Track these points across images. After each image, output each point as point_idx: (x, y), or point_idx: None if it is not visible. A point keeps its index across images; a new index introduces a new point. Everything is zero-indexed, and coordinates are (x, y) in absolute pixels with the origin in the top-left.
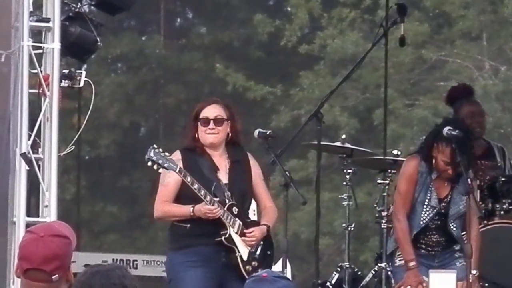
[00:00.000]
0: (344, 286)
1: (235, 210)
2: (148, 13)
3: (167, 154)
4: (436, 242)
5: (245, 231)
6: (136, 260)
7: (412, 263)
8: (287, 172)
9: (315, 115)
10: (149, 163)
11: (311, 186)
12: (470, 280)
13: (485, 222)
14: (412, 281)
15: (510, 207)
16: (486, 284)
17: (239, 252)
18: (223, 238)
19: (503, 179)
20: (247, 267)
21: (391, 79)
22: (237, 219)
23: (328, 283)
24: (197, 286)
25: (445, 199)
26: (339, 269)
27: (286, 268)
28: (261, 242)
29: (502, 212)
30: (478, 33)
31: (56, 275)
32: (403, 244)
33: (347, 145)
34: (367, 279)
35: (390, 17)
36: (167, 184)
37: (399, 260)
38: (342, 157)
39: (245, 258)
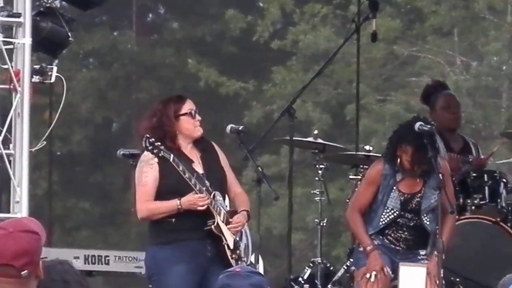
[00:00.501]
0: (316, 281)
1: (218, 199)
2: (120, 8)
3: (159, 143)
4: (404, 239)
5: (230, 219)
6: (108, 256)
7: (370, 247)
8: (259, 168)
9: (287, 110)
10: (145, 152)
11: (284, 181)
12: (442, 275)
13: (457, 217)
14: (374, 265)
15: (481, 202)
16: (458, 279)
17: (226, 240)
18: (212, 226)
19: (474, 174)
20: (234, 255)
21: (363, 74)
22: (221, 208)
23: (300, 279)
24: (181, 283)
25: (420, 193)
26: (311, 264)
27: (258, 263)
28: (242, 230)
29: (473, 208)
30: (449, 28)
31: (26, 271)
32: (358, 234)
33: (320, 140)
34: (339, 274)
35: (362, 12)
36: (145, 184)
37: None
38: (315, 152)
39: (231, 246)
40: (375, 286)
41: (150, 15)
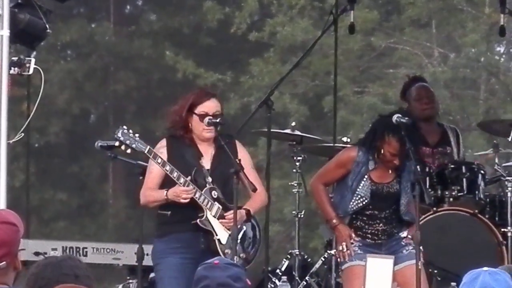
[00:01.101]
0: (294, 273)
1: (214, 194)
2: (98, 0)
3: (137, 135)
4: (381, 231)
5: (224, 214)
6: (86, 248)
7: (335, 220)
8: (237, 160)
9: (265, 102)
10: (117, 143)
11: (261, 173)
12: (420, 267)
13: (434, 209)
14: (342, 236)
15: (459, 194)
16: (436, 271)
17: (217, 235)
18: (198, 220)
19: (452, 166)
20: (226, 250)
21: (341, 66)
22: (215, 202)
23: (278, 270)
24: (175, 272)
25: (392, 184)
26: (289, 256)
27: (236, 255)
28: (244, 227)
29: (451, 199)
30: (427, 20)
31: (4, 262)
32: (322, 206)
33: (297, 132)
34: (317, 266)
35: (340, 4)
36: (151, 171)
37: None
38: (292, 144)
39: (223, 241)
40: (348, 254)
41: (128, 7)
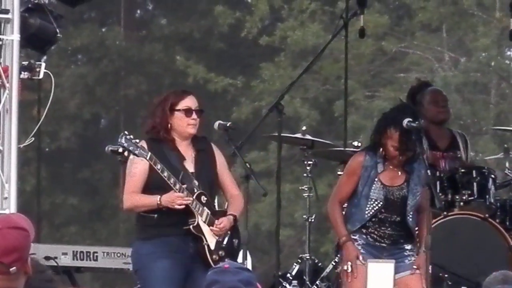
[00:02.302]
0: (304, 277)
1: (203, 199)
2: (108, 4)
3: (137, 140)
4: (388, 235)
5: (215, 221)
6: (96, 252)
7: (344, 238)
8: (247, 164)
9: (275, 106)
10: (120, 149)
11: (272, 177)
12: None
13: (445, 213)
14: (348, 255)
15: (469, 198)
16: (446, 275)
17: (206, 241)
18: (191, 226)
19: (462, 170)
20: (214, 256)
21: (352, 70)
22: (205, 208)
23: (288, 275)
24: (165, 277)
25: (402, 187)
26: (299, 261)
27: (246, 259)
28: (228, 232)
29: (461, 203)
30: (438, 24)
31: (14, 268)
32: (334, 225)
33: (308, 136)
34: (327, 270)
35: (350, 8)
36: (133, 175)
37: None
38: (303, 148)
39: (212, 247)
40: (353, 276)
41: (138, 11)
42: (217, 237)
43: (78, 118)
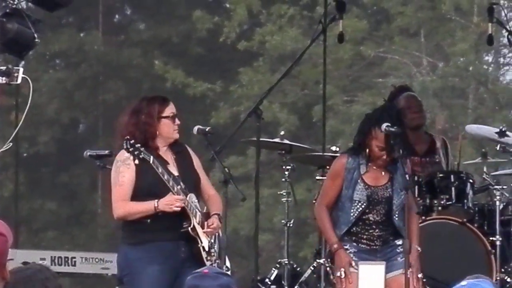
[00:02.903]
0: (283, 282)
1: (194, 200)
2: (87, 9)
3: (139, 145)
4: (377, 236)
5: (206, 222)
6: (75, 257)
7: (335, 245)
8: (226, 169)
9: (254, 111)
10: (127, 154)
11: (251, 182)
12: (408, 276)
13: (423, 218)
14: (341, 262)
15: (448, 203)
16: (424, 280)
17: (201, 243)
18: (189, 228)
19: (441, 175)
20: (209, 257)
21: (330, 75)
22: (197, 210)
23: (267, 279)
24: (154, 283)
25: (386, 186)
26: (278, 265)
27: (225, 264)
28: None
29: (440, 208)
30: (416, 29)
31: None
32: (324, 231)
33: (286, 141)
34: (306, 275)
35: (329, 13)
36: (122, 183)
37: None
38: (281, 153)
39: (206, 248)
40: (348, 281)
41: (117, 16)
42: (208, 238)
43: (57, 123)
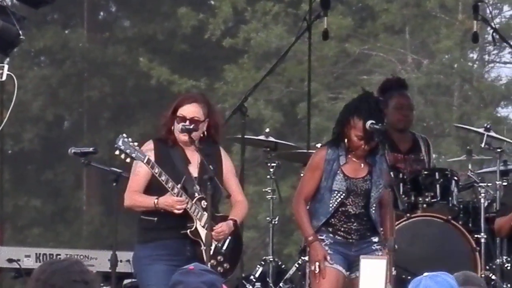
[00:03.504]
0: (268, 279)
1: (203, 203)
2: (72, 6)
3: (136, 143)
4: (354, 230)
5: (213, 226)
6: (60, 255)
7: (311, 238)
8: (211, 166)
9: (239, 108)
10: (117, 152)
11: None
12: (394, 273)
13: (408, 215)
14: (316, 256)
15: (432, 200)
16: (409, 277)
17: (204, 246)
18: (188, 231)
19: (425, 172)
20: (212, 261)
21: (315, 72)
22: (205, 212)
23: (252, 277)
24: (161, 279)
25: (365, 179)
26: (263, 263)
27: (210, 261)
28: (229, 237)
29: (424, 205)
30: (401, 26)
31: None
32: (300, 224)
33: (271, 138)
34: (291, 272)
35: (314, 10)
36: (137, 174)
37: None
38: (266, 150)
39: (210, 252)
40: (321, 276)
41: (102, 13)
42: (216, 242)
43: (41, 120)
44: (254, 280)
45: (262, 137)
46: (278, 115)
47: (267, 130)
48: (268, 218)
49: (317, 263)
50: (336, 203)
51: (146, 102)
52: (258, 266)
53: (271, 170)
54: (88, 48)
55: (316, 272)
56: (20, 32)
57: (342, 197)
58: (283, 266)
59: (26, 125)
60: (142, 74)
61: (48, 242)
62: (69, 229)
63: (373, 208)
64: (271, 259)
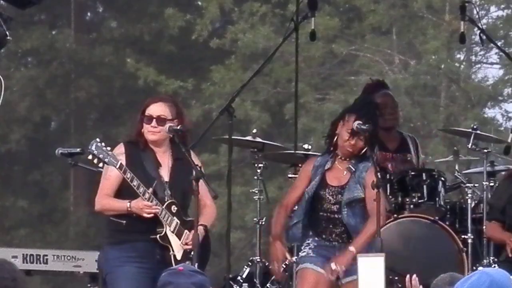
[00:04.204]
0: (255, 280)
1: (173, 208)
2: (59, 6)
3: (109, 148)
4: (338, 234)
5: (184, 231)
6: (47, 255)
7: (271, 238)
8: (198, 166)
9: (226, 109)
10: (90, 157)
11: (223, 180)
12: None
13: (395, 215)
14: (275, 256)
15: (419, 201)
16: (396, 278)
17: (173, 251)
18: (158, 236)
19: (412, 173)
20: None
21: (302, 73)
22: (175, 217)
23: (239, 277)
24: (131, 281)
25: (343, 186)
26: (250, 263)
27: (196, 262)
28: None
29: (411, 206)
30: (388, 27)
31: None
32: (272, 224)
33: (258, 139)
34: None
35: (301, 11)
36: (108, 178)
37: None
38: (254, 151)
39: (178, 257)
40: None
41: (89, 14)
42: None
43: (28, 120)
44: (241, 280)
45: (249, 138)
46: (265, 116)
47: (254, 131)
48: (255, 219)
49: (274, 263)
50: (309, 206)
51: (133, 103)
52: (245, 266)
53: (258, 171)
54: (75, 49)
55: (275, 268)
56: (7, 32)
57: (311, 201)
58: (270, 266)
59: (13, 126)
60: (129, 75)
61: (35, 243)
62: (56, 230)
63: (345, 211)
64: (258, 260)
